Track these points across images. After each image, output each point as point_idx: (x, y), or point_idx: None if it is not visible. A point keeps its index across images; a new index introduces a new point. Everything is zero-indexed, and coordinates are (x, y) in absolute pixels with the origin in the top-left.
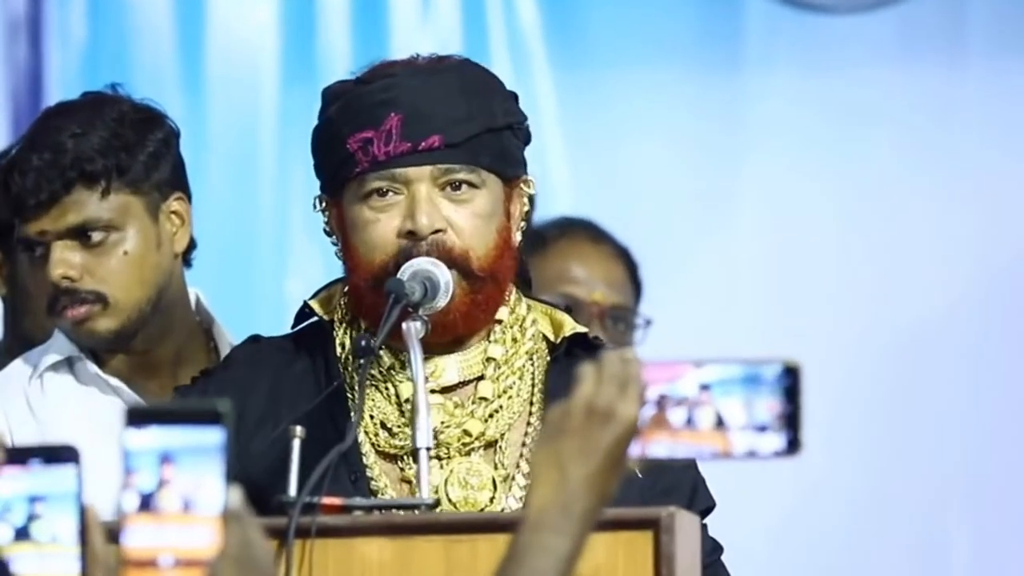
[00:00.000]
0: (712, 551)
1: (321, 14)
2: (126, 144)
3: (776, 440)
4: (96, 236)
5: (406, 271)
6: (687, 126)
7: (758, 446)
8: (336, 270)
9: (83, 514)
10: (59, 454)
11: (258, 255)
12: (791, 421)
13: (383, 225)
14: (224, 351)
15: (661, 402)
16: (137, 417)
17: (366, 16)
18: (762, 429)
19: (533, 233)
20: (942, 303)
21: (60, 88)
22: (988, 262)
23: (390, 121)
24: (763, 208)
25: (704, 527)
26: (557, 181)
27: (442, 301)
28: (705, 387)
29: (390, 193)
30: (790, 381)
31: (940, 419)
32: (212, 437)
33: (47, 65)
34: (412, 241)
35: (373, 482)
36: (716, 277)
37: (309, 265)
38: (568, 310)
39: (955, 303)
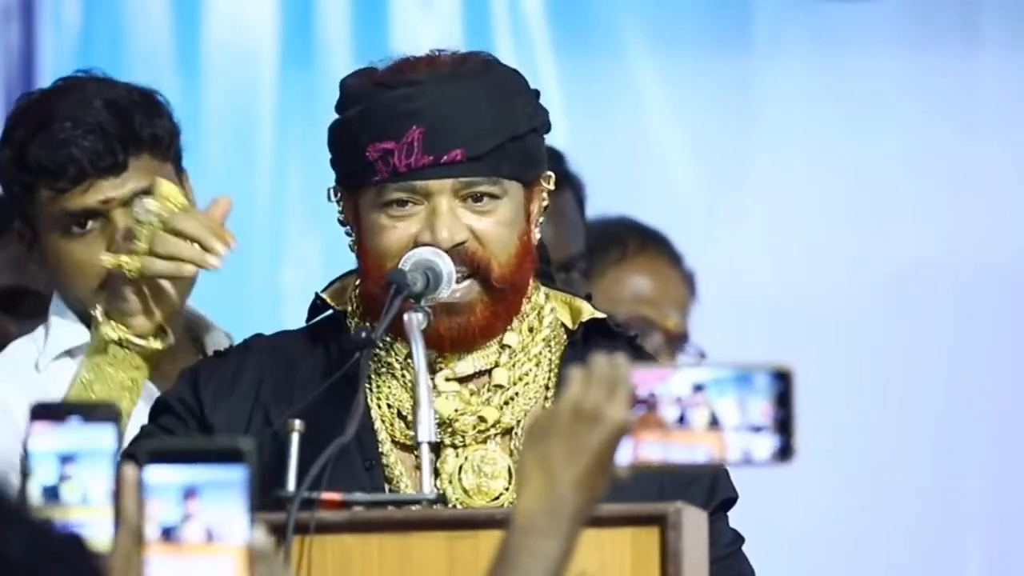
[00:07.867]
0: (732, 542)
1: None
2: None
3: (770, 443)
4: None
5: (407, 261)
6: (694, 115)
7: (752, 447)
8: (335, 258)
9: (117, 476)
10: (98, 412)
11: (254, 244)
12: (784, 427)
13: (400, 232)
14: (207, 342)
15: (649, 400)
16: (159, 455)
17: None
18: (757, 430)
19: (607, 234)
20: (952, 289)
21: (53, 73)
22: (1001, 255)
23: (411, 133)
24: (771, 195)
25: (725, 518)
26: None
27: (444, 292)
28: (699, 387)
29: (409, 204)
30: (782, 387)
31: (952, 421)
32: (235, 474)
33: (40, 49)
34: None
35: (388, 470)
36: (724, 265)
37: (307, 254)
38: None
39: (967, 291)
